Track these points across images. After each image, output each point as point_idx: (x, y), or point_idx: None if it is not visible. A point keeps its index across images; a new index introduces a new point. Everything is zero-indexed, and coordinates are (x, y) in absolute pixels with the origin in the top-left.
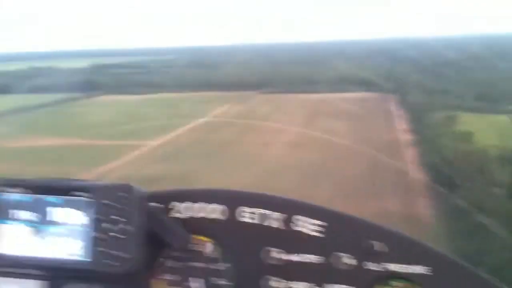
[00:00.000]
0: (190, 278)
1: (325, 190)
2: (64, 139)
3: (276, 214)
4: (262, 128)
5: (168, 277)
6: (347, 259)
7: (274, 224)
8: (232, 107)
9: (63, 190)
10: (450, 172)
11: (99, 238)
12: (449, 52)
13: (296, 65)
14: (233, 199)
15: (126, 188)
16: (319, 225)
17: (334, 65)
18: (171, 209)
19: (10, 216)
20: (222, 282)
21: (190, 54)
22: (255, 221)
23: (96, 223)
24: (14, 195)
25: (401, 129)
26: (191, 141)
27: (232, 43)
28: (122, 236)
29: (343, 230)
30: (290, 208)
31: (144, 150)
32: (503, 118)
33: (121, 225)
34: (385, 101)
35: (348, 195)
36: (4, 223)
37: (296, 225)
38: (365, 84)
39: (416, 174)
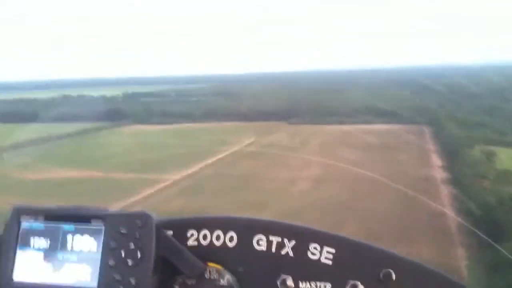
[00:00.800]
0: None
1: (351, 233)
2: (82, 171)
3: (287, 241)
4: (288, 161)
5: None
6: (357, 287)
7: (291, 253)
8: (260, 139)
9: (80, 218)
10: (492, 218)
11: (114, 266)
12: (481, 82)
13: (321, 95)
14: (250, 227)
15: (142, 216)
16: (329, 252)
17: (359, 94)
18: (185, 236)
19: (28, 244)
20: None
21: (216, 82)
22: (267, 249)
23: (112, 251)
24: (33, 223)
25: (436, 165)
26: (215, 175)
27: (254, 71)
28: (133, 263)
29: (352, 258)
30: (301, 235)
31: (164, 185)
32: None
33: (137, 253)
34: (417, 134)
35: (377, 239)
36: (23, 249)
37: (307, 253)
38: (395, 116)
39: (452, 218)
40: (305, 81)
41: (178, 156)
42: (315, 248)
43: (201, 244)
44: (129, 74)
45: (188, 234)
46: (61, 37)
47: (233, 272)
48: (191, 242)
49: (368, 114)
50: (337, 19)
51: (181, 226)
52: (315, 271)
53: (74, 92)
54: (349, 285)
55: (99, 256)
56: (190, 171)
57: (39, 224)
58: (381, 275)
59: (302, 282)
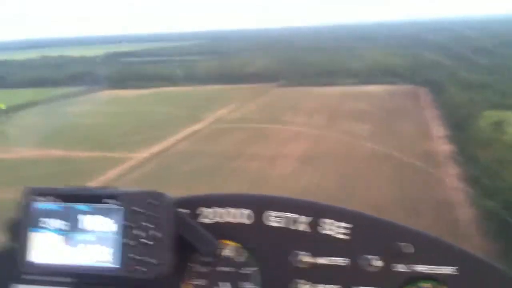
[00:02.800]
0: (218, 283)
1: None
2: (39, 149)
3: (303, 218)
4: (274, 133)
5: (196, 282)
6: (374, 261)
7: (301, 228)
8: (243, 106)
9: (93, 198)
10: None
11: (129, 245)
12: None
13: (316, 53)
14: (259, 204)
15: (155, 195)
16: (345, 228)
17: (357, 52)
18: (199, 214)
19: (41, 225)
20: (250, 286)
21: (204, 40)
22: (282, 225)
23: (126, 230)
24: (45, 204)
25: (438, 136)
26: (186, 153)
27: (249, 27)
28: (152, 243)
29: (369, 232)
30: (316, 211)
31: (129, 165)
32: None
33: (150, 232)
34: (416, 97)
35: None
36: (36, 231)
37: (323, 228)
38: (393, 75)
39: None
40: (306, 38)
41: (149, 128)
42: (330, 223)
43: (214, 221)
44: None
45: (201, 212)
46: None
47: (248, 248)
48: (204, 219)
49: (368, 73)
50: None
51: (194, 204)
52: (332, 246)
53: (55, 52)
54: (366, 259)
55: (117, 236)
56: (160, 147)
57: (51, 205)
58: (397, 248)
59: (318, 257)
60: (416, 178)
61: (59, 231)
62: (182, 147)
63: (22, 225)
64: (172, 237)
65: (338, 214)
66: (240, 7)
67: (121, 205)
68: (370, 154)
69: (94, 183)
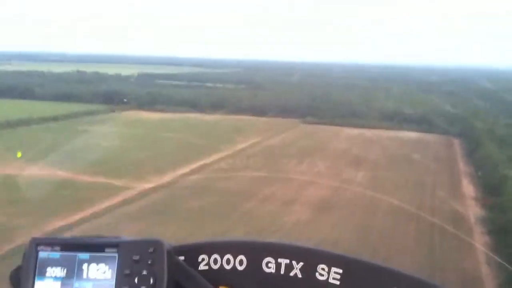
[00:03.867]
0: None
1: None
2: (46, 168)
3: (301, 264)
4: (291, 172)
5: None
6: None
7: (299, 274)
8: (265, 141)
9: (95, 247)
10: None
11: None
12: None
13: (352, 91)
14: (259, 250)
15: (154, 243)
16: (341, 273)
17: (394, 93)
18: (197, 261)
19: (45, 273)
20: None
21: (240, 69)
22: (281, 272)
23: (126, 278)
24: (50, 253)
25: (470, 196)
26: (194, 188)
27: (285, 60)
28: None
29: (364, 277)
30: (314, 257)
31: (126, 196)
32: None
33: (147, 280)
34: (450, 149)
35: None
36: (41, 279)
37: (321, 274)
38: (429, 122)
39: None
40: (343, 73)
41: (163, 156)
42: (323, 269)
43: (212, 268)
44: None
45: (200, 259)
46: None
47: None
48: (202, 266)
49: (401, 118)
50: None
51: (192, 251)
52: None
53: (90, 68)
54: None
55: (113, 283)
56: (166, 179)
57: (55, 254)
58: None
59: None
60: (444, 244)
61: (60, 278)
62: (191, 180)
63: (26, 274)
64: (167, 284)
65: (330, 259)
66: (280, 39)
67: (119, 253)
68: (395, 211)
69: (81, 214)
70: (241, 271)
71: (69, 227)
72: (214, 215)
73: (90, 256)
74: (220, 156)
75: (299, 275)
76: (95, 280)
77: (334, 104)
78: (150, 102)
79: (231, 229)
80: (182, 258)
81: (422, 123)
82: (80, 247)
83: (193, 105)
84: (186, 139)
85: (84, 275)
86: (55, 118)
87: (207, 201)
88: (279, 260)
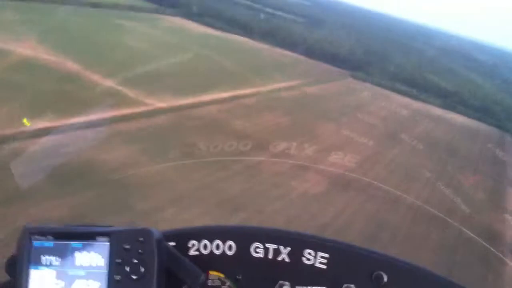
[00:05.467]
0: None
1: None
2: (58, 55)
3: (288, 249)
4: (317, 133)
5: None
6: None
7: (287, 259)
8: (303, 86)
9: (87, 235)
10: None
11: (120, 281)
12: None
13: (411, 54)
14: (247, 236)
15: (144, 232)
16: (328, 258)
17: (457, 70)
18: (187, 246)
19: (40, 262)
20: None
21: (310, 2)
22: (269, 256)
23: (117, 266)
24: (44, 242)
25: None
26: (199, 121)
27: (366, 7)
28: (142, 278)
29: (346, 261)
30: (301, 242)
31: (136, 111)
32: None
33: (138, 267)
34: (500, 146)
35: None
36: (34, 268)
37: (308, 259)
38: (485, 110)
39: None
40: (403, 28)
41: (190, 75)
42: (309, 253)
43: (202, 254)
44: None
45: (190, 245)
46: None
47: (233, 279)
48: (192, 252)
49: (451, 96)
50: None
51: (182, 237)
52: (311, 275)
53: None
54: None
55: (106, 271)
56: (184, 101)
57: (49, 243)
58: (372, 277)
59: (298, 286)
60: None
61: (55, 267)
62: (206, 111)
63: (21, 263)
64: (158, 271)
65: (317, 244)
66: None
67: (110, 242)
68: (427, 217)
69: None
70: (230, 256)
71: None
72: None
73: (83, 244)
74: (246, 92)
75: (287, 260)
76: (88, 267)
77: (394, 66)
78: (199, 14)
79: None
80: (172, 244)
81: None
82: (73, 236)
83: (243, 28)
84: (221, 63)
85: (77, 263)
86: (95, 5)
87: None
88: (267, 245)
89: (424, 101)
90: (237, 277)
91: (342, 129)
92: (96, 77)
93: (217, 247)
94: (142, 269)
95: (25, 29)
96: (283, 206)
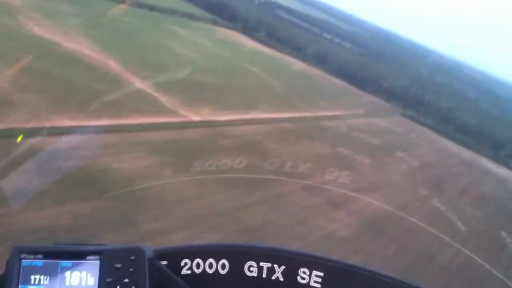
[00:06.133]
0: None
1: None
2: (103, 54)
3: (282, 268)
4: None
5: None
6: None
7: (281, 278)
8: (348, 118)
9: (77, 254)
10: None
11: None
12: None
13: (476, 99)
14: (241, 255)
15: (136, 251)
16: (322, 277)
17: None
18: (183, 266)
19: (29, 281)
20: None
21: (365, 31)
22: (263, 276)
23: (108, 286)
24: (33, 261)
25: None
26: (229, 139)
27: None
28: None
29: (345, 280)
30: (295, 260)
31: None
32: None
33: (132, 287)
34: None
35: None
36: (26, 287)
37: (302, 278)
38: None
39: None
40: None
41: (233, 91)
42: (304, 272)
43: (194, 273)
44: None
45: (182, 263)
46: None
47: None
48: (185, 271)
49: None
50: None
51: (175, 256)
52: None
53: None
54: None
55: None
56: (223, 117)
57: (38, 262)
58: None
59: None
60: None
61: (43, 286)
62: (242, 130)
63: (10, 282)
64: None
65: (311, 263)
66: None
67: (101, 261)
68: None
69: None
70: (223, 275)
71: None
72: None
73: (72, 263)
74: (288, 116)
75: (281, 279)
76: (78, 287)
77: (448, 110)
78: (254, 28)
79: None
80: (165, 262)
81: None
82: (63, 255)
83: (297, 49)
84: (268, 82)
85: (67, 283)
86: (152, 8)
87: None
88: (261, 263)
89: (475, 150)
90: None
91: (381, 168)
92: (134, 80)
93: (210, 266)
94: None
95: (77, 23)
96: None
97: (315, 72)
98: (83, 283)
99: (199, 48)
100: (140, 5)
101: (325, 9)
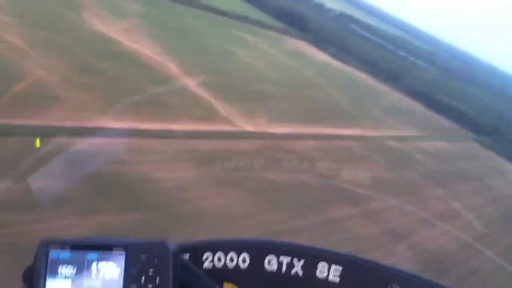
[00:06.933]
0: None
1: None
2: (164, 56)
3: (302, 262)
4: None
5: None
6: None
7: (300, 272)
8: (416, 140)
9: (103, 247)
10: None
11: None
12: None
13: None
14: (261, 249)
15: (159, 244)
16: (341, 271)
17: None
18: (201, 259)
19: (56, 272)
20: None
21: (444, 52)
22: (282, 269)
23: (133, 277)
24: (60, 253)
25: None
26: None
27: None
28: None
29: (363, 275)
30: (315, 255)
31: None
32: None
33: (153, 278)
34: None
35: None
36: (52, 278)
37: (321, 272)
38: None
39: None
40: None
41: (292, 102)
42: (323, 266)
43: (215, 266)
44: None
45: (204, 257)
46: None
47: None
48: (207, 264)
49: None
50: None
51: (197, 250)
52: None
53: None
54: None
55: (121, 282)
56: (281, 129)
57: (65, 254)
58: None
59: None
60: None
61: (71, 277)
62: (299, 145)
63: (38, 273)
64: (173, 282)
65: (330, 257)
66: None
67: (127, 253)
68: None
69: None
70: (244, 269)
71: None
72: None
73: (99, 255)
74: (351, 133)
75: (300, 273)
76: (103, 279)
77: None
78: (325, 40)
79: None
80: (187, 256)
81: None
82: (89, 247)
83: (368, 64)
84: (333, 96)
85: (93, 274)
86: (223, 13)
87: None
88: (281, 258)
89: None
90: None
91: (453, 197)
92: (192, 85)
93: (231, 259)
94: (158, 280)
95: (143, 22)
96: None
97: (385, 89)
98: (109, 274)
99: (265, 56)
100: (211, 10)
101: (402, 26)
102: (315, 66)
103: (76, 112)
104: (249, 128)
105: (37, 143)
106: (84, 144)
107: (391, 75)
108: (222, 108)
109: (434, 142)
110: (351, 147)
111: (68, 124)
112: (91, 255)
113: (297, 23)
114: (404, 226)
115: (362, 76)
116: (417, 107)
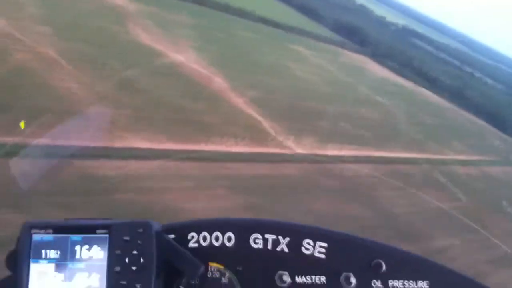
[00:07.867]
0: None
1: None
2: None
3: (287, 239)
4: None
5: None
6: (352, 279)
7: (286, 249)
8: (483, 167)
9: (87, 228)
10: None
11: (120, 272)
12: None
13: None
14: (246, 227)
15: (144, 224)
16: (326, 247)
17: None
18: (189, 239)
19: (40, 256)
20: None
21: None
22: (268, 247)
23: (117, 258)
24: (44, 236)
25: None
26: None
27: None
28: (141, 269)
29: (349, 250)
30: (300, 232)
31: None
32: None
33: (137, 258)
34: None
35: None
36: (36, 262)
37: (306, 249)
38: None
39: None
40: None
41: (347, 122)
42: (308, 243)
43: (201, 245)
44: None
45: (189, 237)
46: None
47: (233, 270)
48: (192, 244)
49: None
50: None
51: (182, 230)
52: (310, 265)
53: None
54: (343, 277)
55: (105, 263)
56: (332, 151)
57: (48, 237)
58: (371, 265)
59: (298, 276)
60: None
61: (54, 260)
62: (351, 169)
63: (21, 257)
64: (158, 262)
65: (315, 234)
66: None
67: (110, 234)
68: None
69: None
70: (229, 247)
71: None
72: None
73: (82, 237)
74: (409, 156)
75: (286, 250)
76: (88, 260)
77: None
78: (385, 55)
79: None
80: (172, 236)
81: None
82: (72, 229)
83: (431, 81)
84: (392, 115)
85: (77, 256)
86: (276, 25)
87: None
88: (266, 235)
89: None
90: (237, 268)
91: None
92: (238, 101)
93: (217, 238)
94: (142, 260)
95: (190, 34)
96: None
97: (450, 107)
98: (93, 256)
99: (320, 71)
100: (264, 21)
101: (468, 43)
102: (374, 82)
103: (101, 131)
104: (298, 149)
105: (22, 125)
106: (105, 167)
107: (456, 92)
108: (269, 126)
109: (505, 167)
110: (411, 172)
111: (92, 143)
112: (75, 237)
113: (355, 37)
114: (469, 270)
115: (425, 93)
116: (485, 127)
